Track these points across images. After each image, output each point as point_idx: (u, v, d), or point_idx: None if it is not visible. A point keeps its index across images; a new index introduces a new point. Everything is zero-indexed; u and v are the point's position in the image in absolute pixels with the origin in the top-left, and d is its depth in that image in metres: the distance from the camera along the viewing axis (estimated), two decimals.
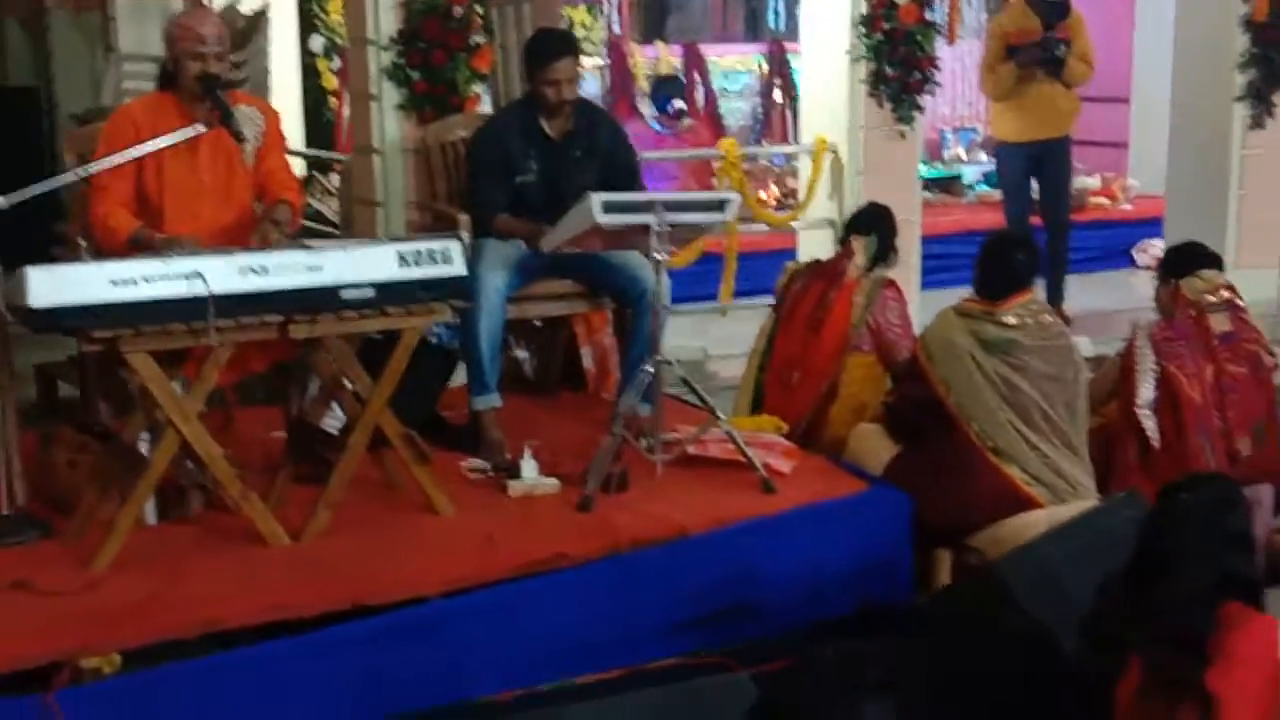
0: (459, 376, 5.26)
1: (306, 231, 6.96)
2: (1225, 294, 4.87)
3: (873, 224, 5.34)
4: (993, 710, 3.60)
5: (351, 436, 4.19)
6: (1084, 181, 9.60)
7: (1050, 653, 3.40)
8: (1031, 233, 7.45)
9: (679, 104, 10.55)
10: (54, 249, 4.89)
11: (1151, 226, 9.08)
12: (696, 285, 7.16)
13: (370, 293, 4.04)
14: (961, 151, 11.39)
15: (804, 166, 7.18)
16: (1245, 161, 7.66)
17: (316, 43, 10.00)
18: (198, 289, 3.77)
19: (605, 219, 4.45)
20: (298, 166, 8.41)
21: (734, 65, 10.97)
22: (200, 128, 4.29)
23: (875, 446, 4.82)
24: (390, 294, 4.08)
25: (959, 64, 11.74)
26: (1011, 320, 4.48)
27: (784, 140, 10.46)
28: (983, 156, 11.12)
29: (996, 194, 9.23)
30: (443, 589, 3.91)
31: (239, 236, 4.44)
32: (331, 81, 10.09)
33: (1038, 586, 3.56)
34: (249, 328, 3.93)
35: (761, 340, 5.43)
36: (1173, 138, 7.98)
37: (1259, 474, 4.75)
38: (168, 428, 3.92)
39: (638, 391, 4.62)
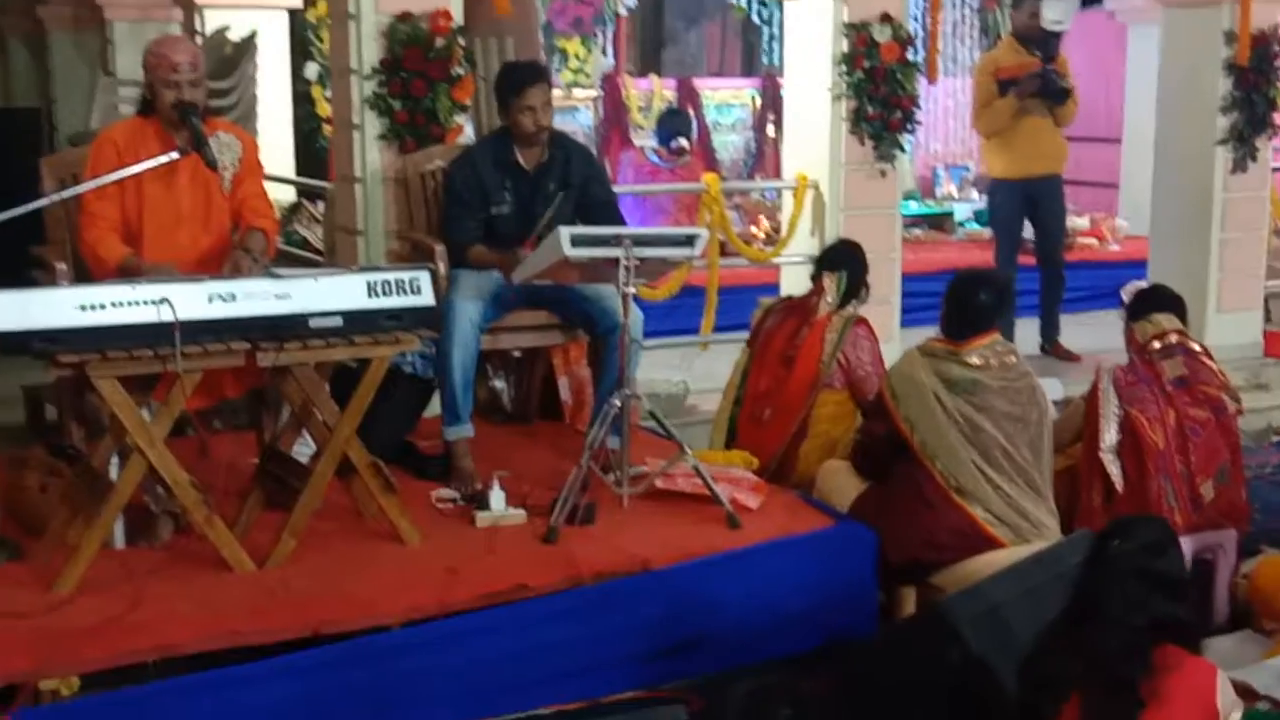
0: (435, 406, 5.30)
1: (291, 259, 7.03)
2: (1174, 338, 4.86)
3: (843, 260, 5.38)
4: None
5: (317, 465, 4.23)
6: (1074, 222, 9.61)
7: (989, 690, 3.42)
8: (1011, 273, 7.48)
9: (683, 142, 10.54)
10: (32, 272, 4.94)
11: (1139, 268, 9.09)
12: (680, 319, 7.20)
13: (338, 321, 4.08)
14: (953, 189, 11.43)
15: (788, 202, 7.22)
16: (1228, 205, 7.65)
17: (312, 70, 10.05)
18: (165, 315, 3.81)
19: (574, 252, 4.50)
20: (287, 194, 8.47)
21: (727, 99, 11.01)
22: (175, 155, 4.32)
23: (843, 483, 4.82)
24: (358, 323, 4.12)
25: (951, 100, 11.80)
26: (975, 360, 4.48)
27: (777, 175, 10.49)
28: (974, 194, 11.17)
29: (986, 232, 9.26)
30: (403, 618, 3.93)
31: (217, 263, 4.47)
32: (326, 109, 10.13)
33: (983, 624, 3.57)
34: (216, 354, 3.96)
35: (736, 375, 5.45)
36: (1156, 180, 7.97)
37: (1222, 518, 4.76)
38: (134, 452, 3.95)
39: (606, 424, 4.65)
